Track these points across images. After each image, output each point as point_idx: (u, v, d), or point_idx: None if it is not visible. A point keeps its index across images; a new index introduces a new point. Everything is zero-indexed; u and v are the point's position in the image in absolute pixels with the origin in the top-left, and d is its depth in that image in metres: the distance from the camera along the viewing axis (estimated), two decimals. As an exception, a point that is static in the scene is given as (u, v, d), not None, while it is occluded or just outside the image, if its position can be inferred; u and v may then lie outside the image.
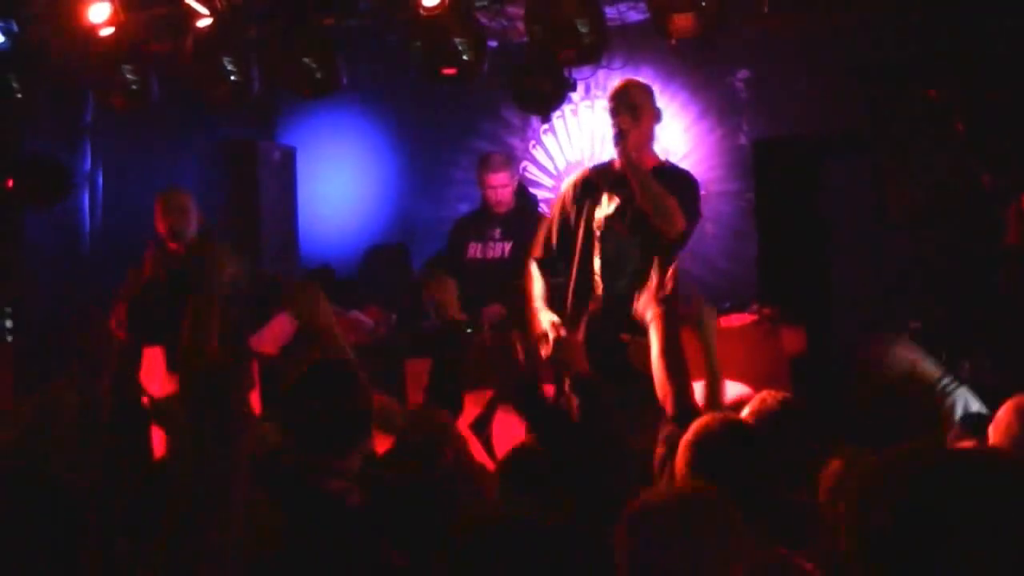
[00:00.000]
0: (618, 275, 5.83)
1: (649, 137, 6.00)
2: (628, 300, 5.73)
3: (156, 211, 7.18)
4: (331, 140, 10.35)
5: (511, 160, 8.72)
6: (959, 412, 5.33)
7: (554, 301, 5.88)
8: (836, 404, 6.27)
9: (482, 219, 8.31)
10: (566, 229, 6.03)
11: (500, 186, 8.18)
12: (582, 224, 5.96)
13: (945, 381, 4.07)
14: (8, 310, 4.67)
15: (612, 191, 5.94)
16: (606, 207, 5.94)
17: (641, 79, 6.60)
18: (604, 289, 5.84)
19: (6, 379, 6.18)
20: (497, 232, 8.17)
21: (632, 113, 5.84)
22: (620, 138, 5.76)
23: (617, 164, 5.90)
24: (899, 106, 7.62)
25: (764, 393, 4.11)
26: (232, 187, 9.40)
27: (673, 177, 5.97)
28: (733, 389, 6.66)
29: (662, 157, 6.32)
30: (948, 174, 7.41)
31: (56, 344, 7.26)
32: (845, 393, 6.07)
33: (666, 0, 6.84)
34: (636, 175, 5.76)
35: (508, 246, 8.05)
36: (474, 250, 8.23)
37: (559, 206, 6.15)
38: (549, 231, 6.11)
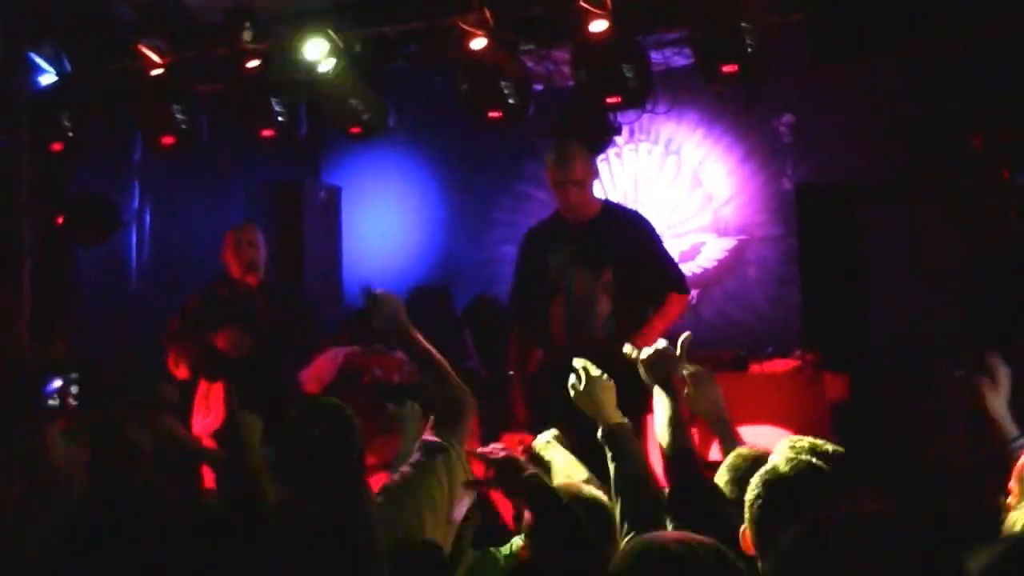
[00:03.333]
0: (586, 317, 6.08)
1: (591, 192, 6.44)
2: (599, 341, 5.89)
3: (228, 245, 7.26)
4: (376, 180, 10.42)
5: None
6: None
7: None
8: (879, 452, 6.24)
9: None
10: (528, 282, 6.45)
11: None
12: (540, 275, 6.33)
13: (1015, 435, 4.02)
14: (75, 376, 4.72)
15: (565, 240, 6.32)
16: (561, 255, 6.31)
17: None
18: (570, 332, 6.08)
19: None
20: None
21: (577, 185, 6.30)
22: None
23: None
24: (942, 153, 7.61)
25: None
26: (277, 226, 9.46)
27: (628, 231, 6.30)
28: (773, 435, 6.66)
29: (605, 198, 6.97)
30: (990, 222, 7.38)
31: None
32: (890, 443, 6.04)
33: (712, 47, 6.86)
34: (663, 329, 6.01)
35: None
36: None
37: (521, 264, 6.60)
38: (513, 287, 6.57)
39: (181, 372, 7.03)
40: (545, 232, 6.52)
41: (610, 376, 4.33)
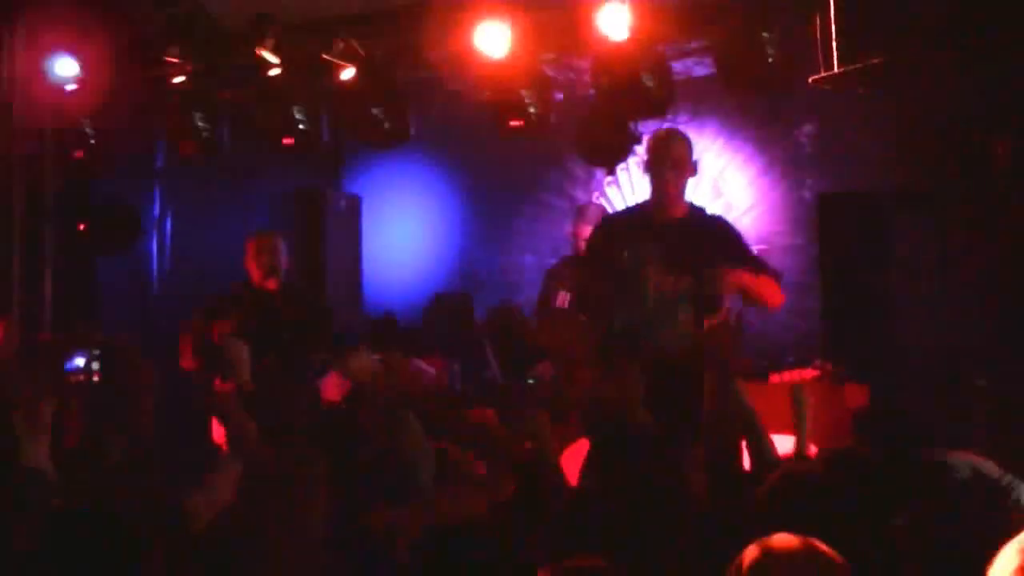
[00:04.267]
0: (662, 325, 5.85)
1: (685, 187, 6.05)
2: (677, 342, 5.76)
3: (248, 252, 7.33)
4: (396, 189, 10.43)
5: (606, 213, 8.51)
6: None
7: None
8: (900, 462, 6.21)
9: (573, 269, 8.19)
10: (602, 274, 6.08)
11: None
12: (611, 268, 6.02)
13: (1008, 478, 4.00)
14: (96, 352, 4.78)
15: (649, 236, 5.99)
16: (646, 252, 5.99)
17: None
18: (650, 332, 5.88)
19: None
20: None
21: (675, 168, 5.91)
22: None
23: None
24: (965, 162, 7.59)
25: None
26: (298, 235, 9.48)
27: (716, 237, 6.00)
28: (790, 445, 6.65)
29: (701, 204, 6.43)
30: (1014, 231, 7.36)
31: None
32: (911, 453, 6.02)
33: (733, 56, 6.87)
34: (748, 284, 5.79)
35: None
36: (563, 299, 8.13)
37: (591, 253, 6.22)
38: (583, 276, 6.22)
39: (185, 361, 7.07)
40: (626, 224, 6.15)
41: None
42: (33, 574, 2.96)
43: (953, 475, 4.11)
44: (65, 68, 8.24)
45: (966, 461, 4.14)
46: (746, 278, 5.69)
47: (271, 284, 7.39)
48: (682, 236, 5.91)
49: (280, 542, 3.51)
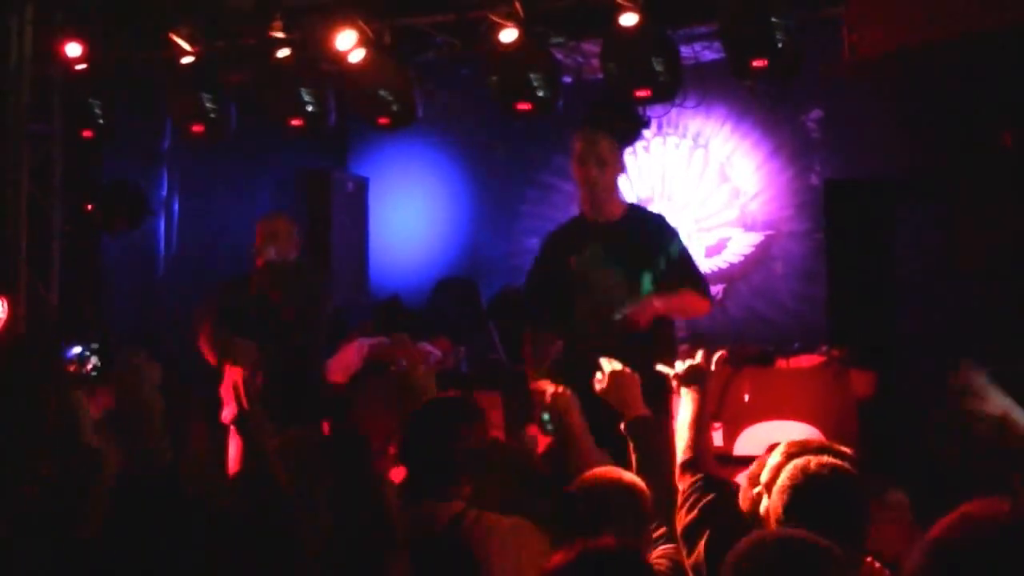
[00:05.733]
0: (611, 315, 5.92)
1: (616, 186, 6.17)
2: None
3: (257, 233, 7.35)
4: (403, 171, 10.43)
5: None
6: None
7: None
8: (904, 448, 6.23)
9: None
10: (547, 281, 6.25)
11: None
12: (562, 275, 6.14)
13: None
14: (95, 346, 4.77)
15: (589, 239, 6.12)
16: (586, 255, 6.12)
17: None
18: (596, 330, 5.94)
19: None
20: None
21: (600, 166, 6.04)
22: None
23: None
24: (972, 150, 7.58)
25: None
26: (305, 216, 9.49)
27: (654, 234, 6.10)
28: (799, 431, 6.67)
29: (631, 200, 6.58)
30: (1020, 218, 7.35)
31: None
32: (920, 441, 6.03)
33: (742, 41, 6.85)
34: (666, 311, 5.92)
35: None
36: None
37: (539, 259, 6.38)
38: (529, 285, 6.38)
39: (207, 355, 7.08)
40: (567, 232, 6.34)
41: (634, 369, 4.40)
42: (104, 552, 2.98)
43: (981, 422, 4.14)
44: (73, 49, 8.24)
45: (998, 406, 4.18)
46: (659, 306, 5.79)
47: (258, 263, 7.35)
48: (619, 236, 6.06)
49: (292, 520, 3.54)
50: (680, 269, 6.04)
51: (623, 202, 6.23)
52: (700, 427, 4.08)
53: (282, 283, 7.28)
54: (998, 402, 4.16)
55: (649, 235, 6.06)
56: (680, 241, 6.18)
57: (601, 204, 6.12)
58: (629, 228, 6.08)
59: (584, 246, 6.09)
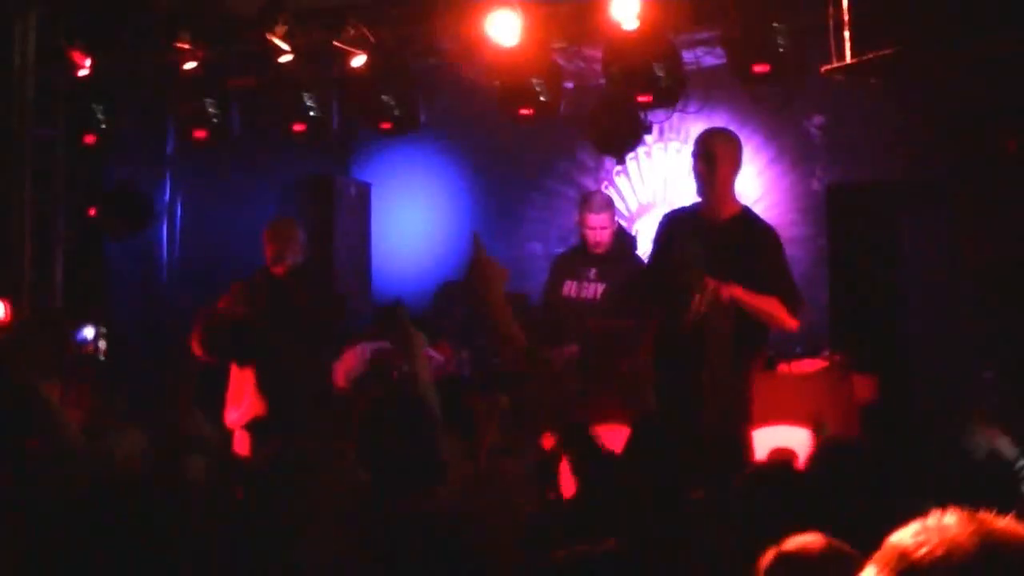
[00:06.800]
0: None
1: (729, 185, 6.07)
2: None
3: (264, 238, 7.43)
4: (406, 176, 10.43)
5: (612, 202, 8.41)
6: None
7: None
8: (908, 455, 6.23)
9: (579, 258, 8.16)
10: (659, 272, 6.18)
11: (600, 227, 7.98)
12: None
13: (1022, 462, 4.02)
14: (103, 329, 4.82)
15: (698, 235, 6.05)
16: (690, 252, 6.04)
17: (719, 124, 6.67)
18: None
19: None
20: (592, 272, 7.99)
21: (709, 163, 5.98)
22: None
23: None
24: (975, 155, 7.58)
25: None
26: (308, 221, 9.48)
27: (758, 247, 6.04)
28: (801, 435, 6.65)
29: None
30: (1023, 223, 7.36)
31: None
32: (919, 452, 6.05)
33: (744, 46, 6.87)
34: (746, 300, 5.91)
35: (601, 288, 7.91)
36: (569, 288, 8.10)
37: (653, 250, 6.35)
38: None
39: (195, 348, 7.12)
40: (680, 222, 6.29)
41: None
42: (69, 549, 2.97)
43: (971, 452, 4.14)
44: (77, 54, 8.26)
45: (985, 437, 4.17)
46: (739, 293, 5.75)
47: (278, 270, 7.47)
48: (725, 238, 6.04)
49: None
50: (774, 279, 6.02)
51: (736, 203, 6.22)
52: None
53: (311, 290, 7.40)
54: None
55: (754, 240, 6.06)
56: (783, 255, 6.17)
57: (711, 201, 6.12)
58: (736, 230, 6.05)
59: (690, 241, 6.05)
